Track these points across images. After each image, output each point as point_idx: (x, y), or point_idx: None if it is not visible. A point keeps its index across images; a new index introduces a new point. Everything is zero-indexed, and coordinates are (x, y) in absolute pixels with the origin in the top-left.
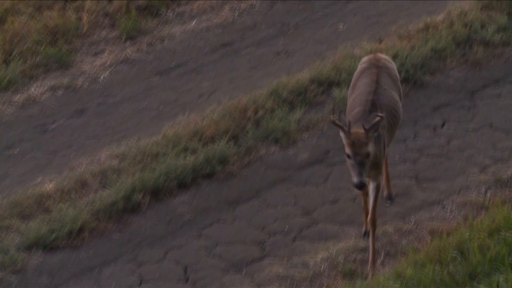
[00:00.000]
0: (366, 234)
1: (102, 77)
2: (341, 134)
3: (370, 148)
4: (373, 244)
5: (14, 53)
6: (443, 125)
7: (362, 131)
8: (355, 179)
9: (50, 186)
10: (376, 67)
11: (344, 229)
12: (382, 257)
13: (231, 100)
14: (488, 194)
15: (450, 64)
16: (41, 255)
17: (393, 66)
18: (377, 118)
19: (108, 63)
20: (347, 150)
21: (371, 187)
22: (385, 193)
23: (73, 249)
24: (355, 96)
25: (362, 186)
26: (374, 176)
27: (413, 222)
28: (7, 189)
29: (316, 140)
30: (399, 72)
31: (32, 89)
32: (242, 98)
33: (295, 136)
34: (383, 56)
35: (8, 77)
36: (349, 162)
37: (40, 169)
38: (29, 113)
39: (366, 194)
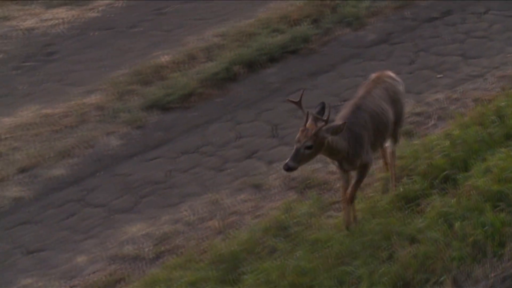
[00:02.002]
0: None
1: None
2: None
3: (314, 144)
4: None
5: None
6: (486, 12)
7: (314, 125)
8: (286, 161)
9: (166, 58)
10: (376, 82)
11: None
12: (434, 120)
13: None
14: None
15: None
16: (158, 114)
17: (396, 83)
18: (337, 124)
19: None
20: (296, 136)
21: (354, 177)
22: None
23: (183, 110)
24: (347, 103)
25: (288, 170)
26: (351, 169)
27: (460, 92)
28: (131, 60)
29: (382, 23)
30: None
31: None
32: None
33: (364, 20)
34: (389, 74)
35: None
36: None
37: (157, 45)
38: None
39: (345, 188)
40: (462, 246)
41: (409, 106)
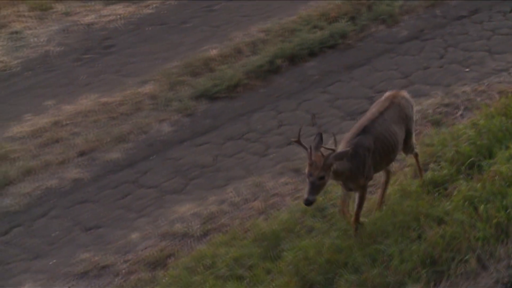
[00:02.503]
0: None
1: None
2: (306, 154)
3: (325, 173)
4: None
5: None
6: (511, 11)
7: (322, 156)
8: (305, 196)
9: (214, 52)
10: (390, 101)
11: (433, 89)
12: (462, 111)
13: None
14: None
15: None
16: (206, 103)
17: (409, 105)
18: (344, 150)
19: None
20: (306, 169)
21: (356, 195)
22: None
23: (230, 99)
24: (359, 120)
25: (309, 204)
26: (355, 188)
27: (485, 84)
28: (182, 53)
29: (414, 21)
30: None
31: None
32: None
33: (398, 18)
34: (403, 94)
35: None
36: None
37: (206, 39)
38: None
39: (343, 201)
40: (486, 227)
41: (438, 97)
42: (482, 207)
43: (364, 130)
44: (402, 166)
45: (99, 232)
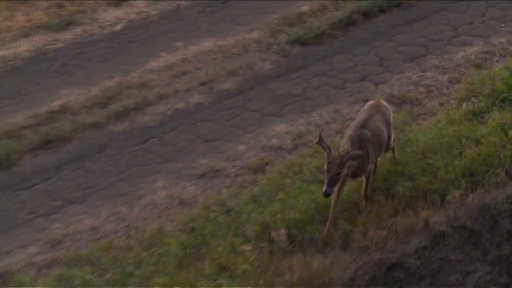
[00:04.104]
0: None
1: None
2: (325, 154)
3: (341, 170)
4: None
5: None
6: None
7: (338, 155)
8: (324, 188)
9: (305, 8)
10: (375, 108)
11: (475, 40)
12: (497, 57)
13: None
14: None
15: None
16: (298, 47)
17: (389, 112)
18: (357, 152)
19: None
20: (325, 166)
21: (364, 179)
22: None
23: (317, 45)
24: (353, 122)
25: (327, 195)
26: (363, 174)
27: None
28: (281, 9)
29: None
30: None
31: None
32: None
33: None
34: (383, 103)
35: None
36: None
37: None
38: None
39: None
40: None
41: (479, 46)
42: (510, 132)
43: (363, 126)
44: (449, 98)
45: (215, 143)
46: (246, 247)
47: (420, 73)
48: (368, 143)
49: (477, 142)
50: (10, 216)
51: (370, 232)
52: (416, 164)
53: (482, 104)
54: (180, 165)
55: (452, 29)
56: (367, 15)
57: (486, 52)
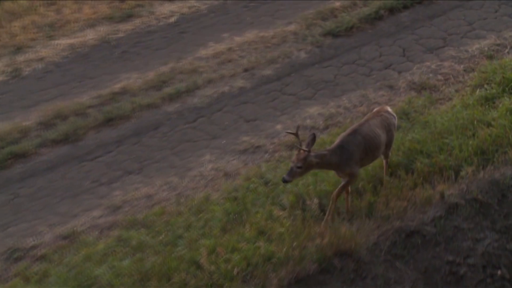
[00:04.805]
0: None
1: None
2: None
3: (302, 165)
4: (330, 213)
5: None
6: None
7: (305, 151)
8: (284, 176)
9: (337, 4)
10: (376, 114)
11: (488, 33)
12: (508, 49)
13: None
14: None
15: None
16: (330, 39)
17: (391, 117)
18: (323, 152)
19: None
20: (293, 156)
21: (343, 180)
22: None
23: (347, 37)
24: (353, 124)
25: (285, 182)
26: (343, 176)
27: None
28: (316, 4)
29: None
30: None
31: None
32: None
33: None
34: (387, 109)
35: None
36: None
37: None
38: None
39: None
40: None
41: (492, 39)
42: None
43: (355, 132)
44: (464, 85)
45: (255, 123)
46: (282, 214)
47: (439, 63)
48: (357, 148)
49: (489, 125)
50: (76, 184)
51: (392, 202)
52: (433, 143)
53: (494, 90)
54: (224, 141)
55: (468, 24)
56: (392, 11)
57: (498, 45)
